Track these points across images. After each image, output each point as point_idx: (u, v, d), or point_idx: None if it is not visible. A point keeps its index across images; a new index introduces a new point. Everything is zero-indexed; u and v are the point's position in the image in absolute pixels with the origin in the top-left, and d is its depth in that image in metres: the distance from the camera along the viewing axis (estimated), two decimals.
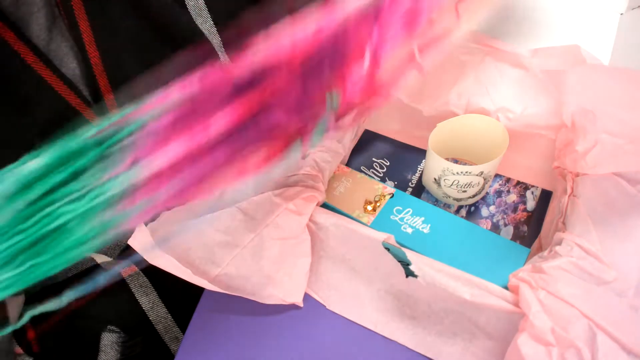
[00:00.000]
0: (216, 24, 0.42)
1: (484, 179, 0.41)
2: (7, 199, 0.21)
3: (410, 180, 0.47)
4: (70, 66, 0.36)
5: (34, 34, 0.34)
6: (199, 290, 0.41)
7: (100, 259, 0.44)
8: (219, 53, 0.42)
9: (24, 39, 0.34)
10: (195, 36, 0.40)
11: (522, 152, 0.44)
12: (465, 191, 0.42)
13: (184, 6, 0.40)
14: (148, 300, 0.47)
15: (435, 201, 0.45)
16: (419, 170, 0.48)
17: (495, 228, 0.42)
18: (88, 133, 0.23)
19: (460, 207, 0.44)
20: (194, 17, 0.41)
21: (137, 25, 0.38)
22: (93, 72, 0.36)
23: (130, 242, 0.39)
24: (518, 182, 0.45)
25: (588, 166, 0.35)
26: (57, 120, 0.35)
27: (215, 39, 0.42)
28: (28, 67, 0.34)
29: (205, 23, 0.41)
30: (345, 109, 0.25)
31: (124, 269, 0.46)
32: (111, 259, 0.44)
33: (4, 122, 0.34)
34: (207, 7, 0.41)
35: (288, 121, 0.24)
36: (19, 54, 0.33)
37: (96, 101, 0.37)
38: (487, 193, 0.45)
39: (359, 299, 0.40)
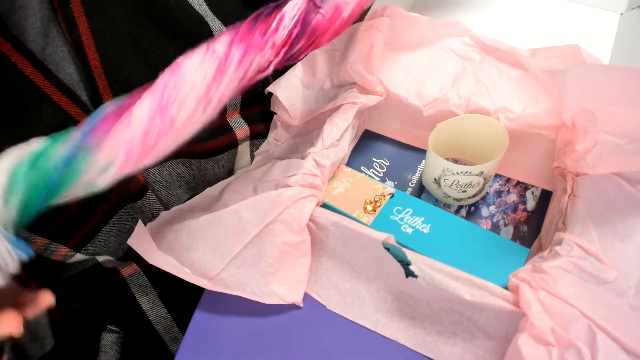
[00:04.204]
0: (225, 23, 0.42)
1: (484, 179, 0.41)
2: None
3: (410, 180, 0.47)
4: (68, 71, 0.36)
5: (30, 38, 0.34)
6: (199, 290, 0.41)
7: (101, 257, 0.44)
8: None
9: (21, 49, 0.33)
10: (202, 32, 0.40)
11: (522, 152, 0.44)
12: (465, 191, 0.42)
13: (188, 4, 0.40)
14: (148, 300, 0.47)
15: (435, 201, 0.45)
16: (419, 170, 0.48)
17: (495, 228, 0.42)
18: None
19: (460, 207, 0.44)
20: (202, 15, 0.41)
21: (138, 25, 0.37)
22: (92, 75, 0.36)
23: (130, 242, 0.39)
24: (518, 182, 0.45)
25: (588, 166, 0.35)
26: (57, 131, 0.35)
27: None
28: (26, 79, 0.33)
29: (214, 21, 0.41)
30: None
31: (124, 268, 0.46)
32: (112, 258, 0.44)
33: (2, 135, 0.34)
34: (211, 10, 0.41)
35: None
36: (17, 65, 0.33)
37: (95, 106, 0.37)
38: (487, 193, 0.45)
39: (359, 299, 0.39)
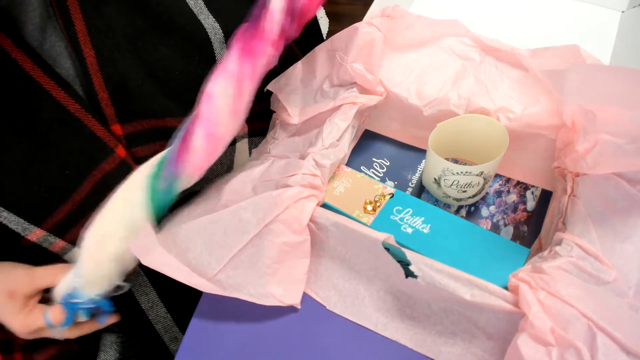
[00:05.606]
0: (218, 20, 0.42)
1: (484, 179, 0.41)
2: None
3: (410, 180, 0.47)
4: (65, 66, 0.36)
5: (28, 34, 0.34)
6: (199, 290, 0.41)
7: None
8: (219, 49, 0.42)
9: (21, 45, 0.34)
10: (195, 30, 0.40)
11: (522, 152, 0.44)
12: (465, 191, 0.42)
13: (184, 3, 0.40)
14: (147, 300, 0.47)
15: (435, 201, 0.45)
16: (419, 170, 0.48)
17: (495, 228, 0.42)
18: None
19: (460, 207, 0.44)
20: (196, 13, 0.41)
21: (132, 23, 0.38)
22: (88, 72, 0.36)
23: (130, 245, 0.39)
24: (518, 182, 0.45)
25: (588, 166, 0.35)
26: (57, 126, 0.35)
27: (217, 35, 0.42)
28: (27, 75, 0.34)
29: (207, 19, 0.41)
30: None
31: None
32: None
33: (4, 130, 0.34)
34: (206, 6, 0.41)
35: None
36: (17, 61, 0.33)
37: (91, 101, 0.37)
38: (487, 193, 0.45)
39: (359, 299, 0.40)
